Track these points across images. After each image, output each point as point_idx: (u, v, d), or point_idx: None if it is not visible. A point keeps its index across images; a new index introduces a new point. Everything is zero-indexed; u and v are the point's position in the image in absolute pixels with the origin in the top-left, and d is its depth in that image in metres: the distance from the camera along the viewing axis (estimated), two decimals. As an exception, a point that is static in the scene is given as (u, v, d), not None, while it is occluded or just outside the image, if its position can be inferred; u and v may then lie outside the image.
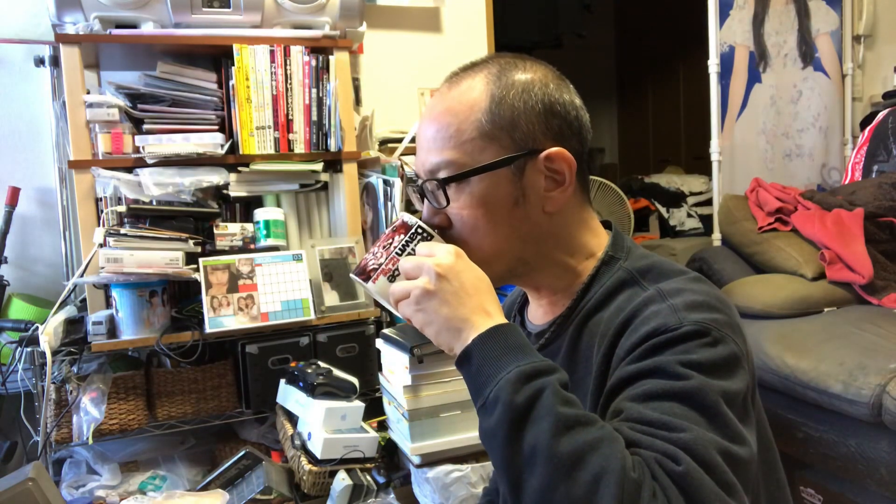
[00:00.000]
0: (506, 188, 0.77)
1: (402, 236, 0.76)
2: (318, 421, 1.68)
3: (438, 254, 0.71)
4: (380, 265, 0.76)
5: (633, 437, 0.61)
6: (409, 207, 2.14)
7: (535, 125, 0.77)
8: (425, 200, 0.81)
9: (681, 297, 0.70)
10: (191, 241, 1.86)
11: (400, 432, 1.70)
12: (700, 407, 0.62)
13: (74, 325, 1.87)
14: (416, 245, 0.75)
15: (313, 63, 2.05)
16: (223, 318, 1.84)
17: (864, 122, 2.78)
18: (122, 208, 1.90)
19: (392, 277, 0.75)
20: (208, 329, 1.82)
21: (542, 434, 0.59)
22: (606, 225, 0.87)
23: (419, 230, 0.76)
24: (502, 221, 0.77)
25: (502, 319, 0.69)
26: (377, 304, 2.07)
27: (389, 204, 2.08)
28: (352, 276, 0.79)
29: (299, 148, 2.05)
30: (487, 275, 0.79)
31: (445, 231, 0.81)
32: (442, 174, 0.77)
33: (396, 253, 0.75)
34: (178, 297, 2.04)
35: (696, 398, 0.62)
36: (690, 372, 0.63)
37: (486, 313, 0.69)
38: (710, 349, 0.66)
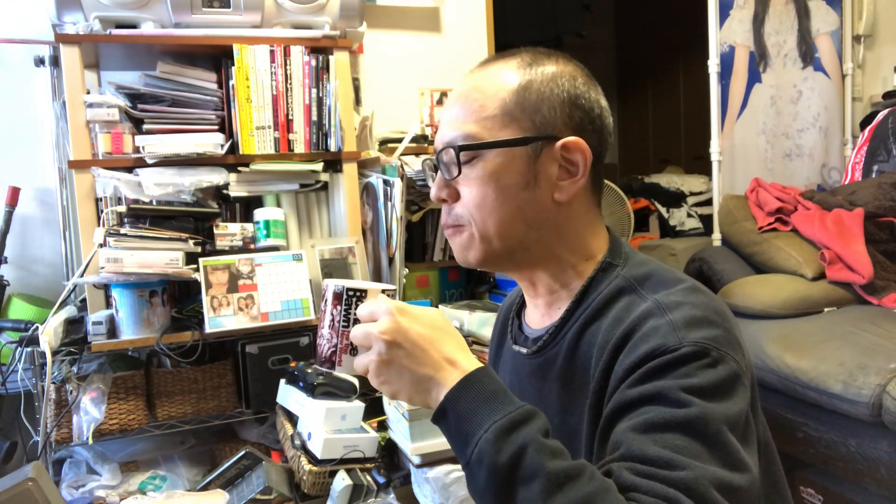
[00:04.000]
0: (519, 168, 0.77)
1: (340, 307, 0.74)
2: (318, 421, 1.68)
3: (380, 317, 0.68)
4: (336, 346, 0.73)
5: (632, 481, 0.60)
6: (409, 208, 2.15)
7: (557, 113, 0.78)
8: (437, 173, 0.81)
9: (680, 312, 0.70)
10: (191, 241, 1.86)
11: (400, 432, 1.70)
12: (701, 437, 0.62)
13: (74, 325, 1.87)
14: (354, 311, 0.73)
15: (313, 63, 2.05)
16: (223, 318, 1.84)
17: (864, 122, 2.78)
18: (122, 208, 1.90)
19: (354, 351, 0.73)
20: (208, 329, 1.82)
21: (533, 497, 0.58)
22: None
23: (350, 293, 0.74)
24: (510, 201, 0.78)
25: (469, 364, 0.67)
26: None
27: (389, 204, 2.08)
28: (316, 367, 0.77)
29: (299, 148, 2.05)
30: (486, 251, 0.79)
31: (451, 205, 0.81)
32: (458, 144, 0.78)
33: (343, 326, 0.73)
34: (178, 297, 2.04)
35: (697, 427, 0.62)
36: (691, 398, 0.63)
37: (450, 363, 0.66)
38: (711, 371, 0.65)
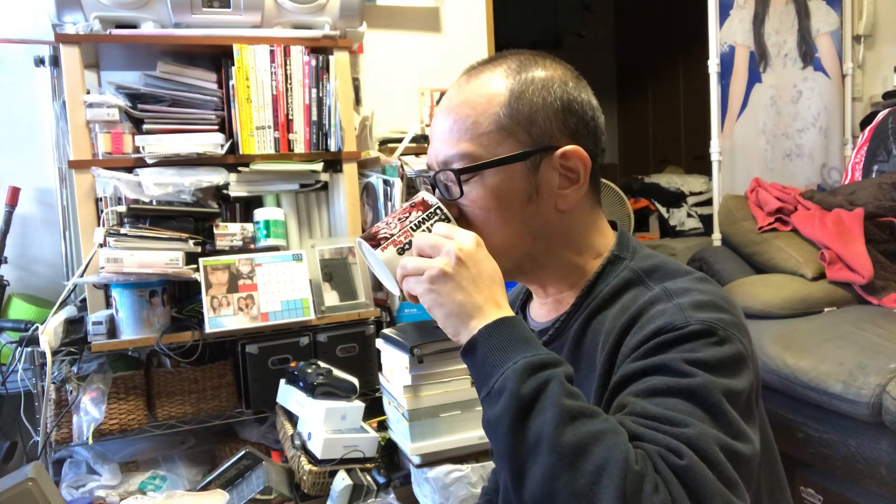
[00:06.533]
0: (520, 183, 0.77)
1: (420, 213, 0.75)
2: (318, 421, 1.68)
3: (460, 238, 0.70)
4: (391, 235, 0.74)
5: (636, 430, 0.61)
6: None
7: (552, 122, 0.77)
8: (436, 192, 0.80)
9: (687, 297, 0.71)
10: (191, 241, 1.86)
11: (400, 432, 1.70)
12: (704, 404, 0.62)
13: (74, 325, 1.87)
14: (432, 224, 0.74)
15: (313, 63, 2.05)
16: (223, 318, 1.84)
17: (864, 122, 2.78)
18: (122, 208, 1.90)
19: (402, 250, 0.73)
20: (208, 329, 1.82)
21: (546, 424, 0.59)
22: (612, 225, 0.87)
23: (438, 210, 0.75)
24: (514, 216, 0.77)
25: (510, 312, 0.69)
26: (377, 303, 2.07)
27: (389, 204, 2.08)
28: (358, 239, 0.77)
29: (299, 148, 2.05)
30: None
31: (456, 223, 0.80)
32: (457, 165, 0.77)
33: (411, 228, 0.74)
34: (178, 297, 2.04)
35: (699, 395, 0.62)
36: (695, 370, 0.64)
37: (497, 305, 0.69)
38: (716, 348, 0.66)
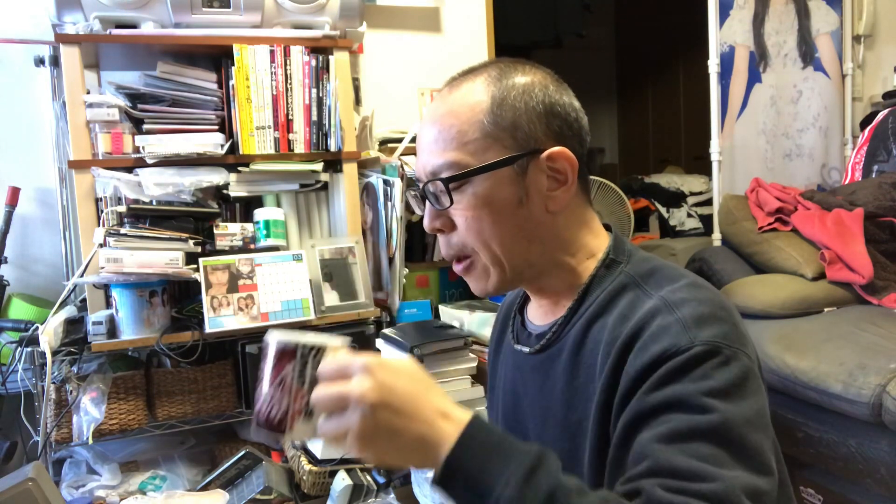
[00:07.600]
0: (509, 188, 0.77)
1: (292, 364, 0.63)
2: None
3: (356, 376, 0.60)
4: (286, 409, 0.63)
5: (667, 499, 0.59)
6: (408, 208, 2.15)
7: (536, 125, 0.78)
8: (427, 203, 0.81)
9: (687, 309, 0.70)
10: (191, 241, 1.86)
11: (400, 432, 1.70)
12: (726, 443, 0.62)
13: (74, 325, 1.87)
14: (313, 367, 0.63)
15: (313, 63, 2.05)
16: (223, 318, 1.84)
17: (864, 122, 2.78)
18: (122, 208, 1.90)
19: (309, 413, 0.63)
20: (208, 329, 1.82)
21: None
22: (606, 228, 0.87)
23: (304, 349, 0.64)
24: (507, 221, 0.78)
25: (461, 415, 0.63)
26: (377, 303, 2.08)
27: (389, 204, 2.08)
28: (259, 430, 0.65)
29: (299, 148, 2.05)
30: (496, 280, 0.80)
31: (448, 234, 0.81)
32: (445, 175, 0.77)
33: (298, 386, 0.63)
34: (178, 297, 2.04)
35: (721, 433, 0.62)
36: (712, 402, 0.63)
37: (443, 416, 0.62)
38: (725, 369, 0.66)
